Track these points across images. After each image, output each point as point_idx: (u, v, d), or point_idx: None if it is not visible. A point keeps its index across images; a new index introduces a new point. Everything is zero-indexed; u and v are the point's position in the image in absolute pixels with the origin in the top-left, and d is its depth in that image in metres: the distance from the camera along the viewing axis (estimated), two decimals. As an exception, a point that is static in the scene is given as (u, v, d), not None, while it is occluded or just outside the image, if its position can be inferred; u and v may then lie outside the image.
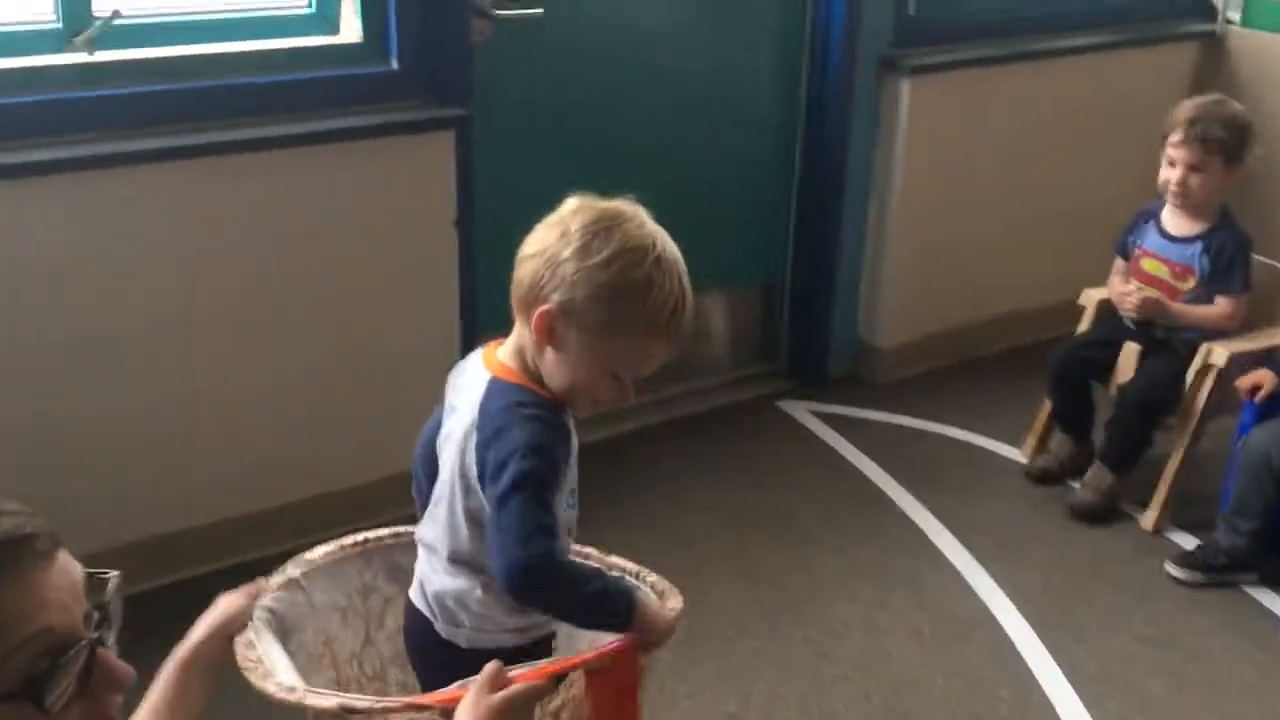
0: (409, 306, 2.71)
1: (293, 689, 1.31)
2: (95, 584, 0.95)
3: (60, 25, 2.36)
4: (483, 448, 1.35)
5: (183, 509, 2.55)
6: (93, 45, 2.39)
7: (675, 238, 1.37)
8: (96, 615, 0.93)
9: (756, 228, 3.44)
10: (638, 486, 2.99)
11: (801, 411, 3.40)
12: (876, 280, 3.51)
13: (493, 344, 1.46)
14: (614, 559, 1.60)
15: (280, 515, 2.60)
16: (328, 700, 1.29)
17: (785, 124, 3.37)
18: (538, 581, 1.31)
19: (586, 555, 1.58)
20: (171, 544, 2.53)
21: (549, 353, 1.36)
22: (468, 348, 1.54)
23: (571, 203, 1.37)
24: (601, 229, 1.32)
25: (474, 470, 1.36)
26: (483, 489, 1.35)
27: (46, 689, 0.87)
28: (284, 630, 1.47)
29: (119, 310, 2.39)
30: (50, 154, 2.26)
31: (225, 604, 1.44)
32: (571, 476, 1.41)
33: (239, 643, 1.39)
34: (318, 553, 1.56)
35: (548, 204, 1.40)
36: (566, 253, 1.31)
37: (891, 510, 2.97)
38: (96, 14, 2.37)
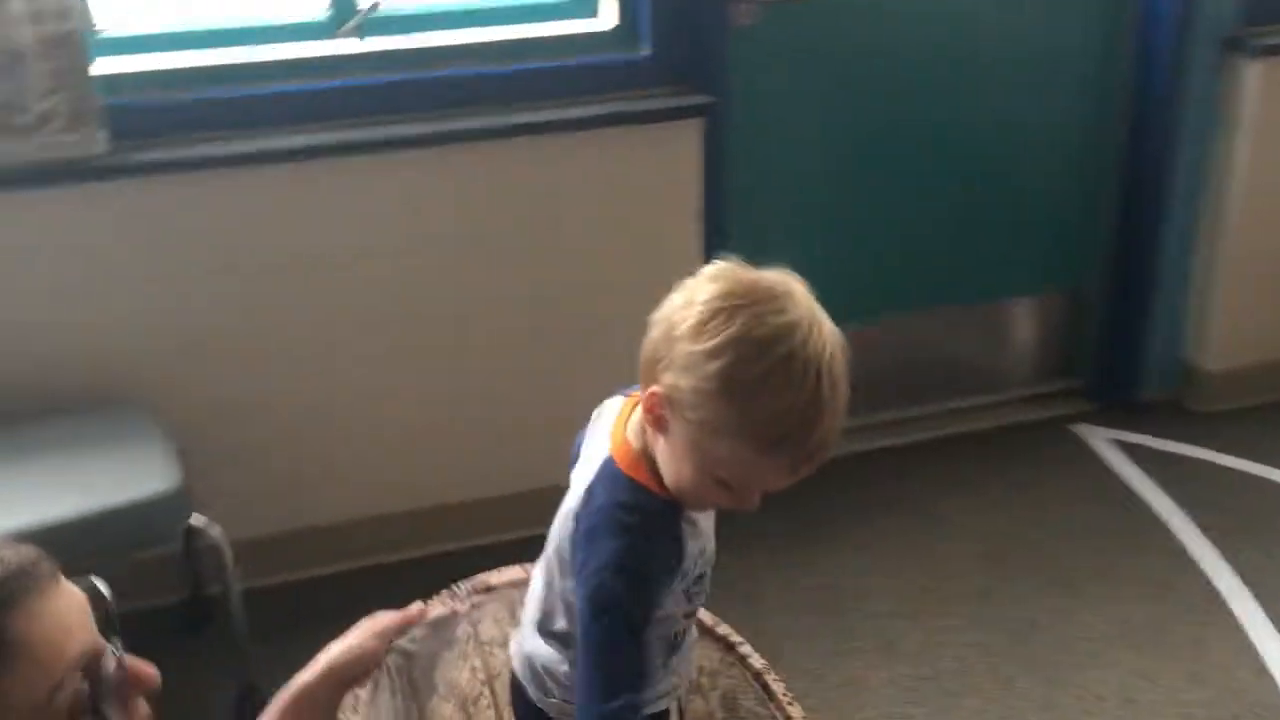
0: (642, 301, 2.61)
1: None
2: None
3: (330, 14, 2.45)
4: (577, 543, 1.21)
5: (379, 497, 2.59)
6: (361, 32, 2.47)
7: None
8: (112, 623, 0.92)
9: (1064, 227, 3.06)
10: (888, 504, 2.76)
11: (1099, 439, 3.00)
12: (1207, 292, 3.03)
13: (634, 396, 1.24)
14: (747, 651, 1.41)
15: (488, 507, 2.61)
16: None
17: (1101, 110, 2.96)
18: None
19: (712, 626, 1.42)
20: (367, 530, 2.60)
21: (660, 440, 1.16)
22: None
23: (713, 267, 1.14)
24: (726, 307, 1.08)
25: (569, 556, 1.23)
26: (575, 583, 1.22)
27: (105, 707, 0.88)
28: (418, 679, 1.36)
29: (371, 294, 2.45)
30: (314, 139, 2.34)
31: (357, 639, 1.32)
32: (697, 564, 1.24)
33: (344, 707, 1.27)
34: (504, 576, 1.46)
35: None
36: (683, 328, 1.09)
37: (1186, 565, 2.56)
38: (361, 4, 2.44)
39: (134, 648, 0.93)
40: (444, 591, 1.44)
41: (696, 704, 1.44)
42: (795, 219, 2.74)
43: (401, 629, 1.36)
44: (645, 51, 2.52)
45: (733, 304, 1.08)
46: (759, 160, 2.67)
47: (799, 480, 1.13)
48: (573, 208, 2.53)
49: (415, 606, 1.39)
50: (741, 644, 1.42)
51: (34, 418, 2.18)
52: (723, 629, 1.43)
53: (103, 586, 1.01)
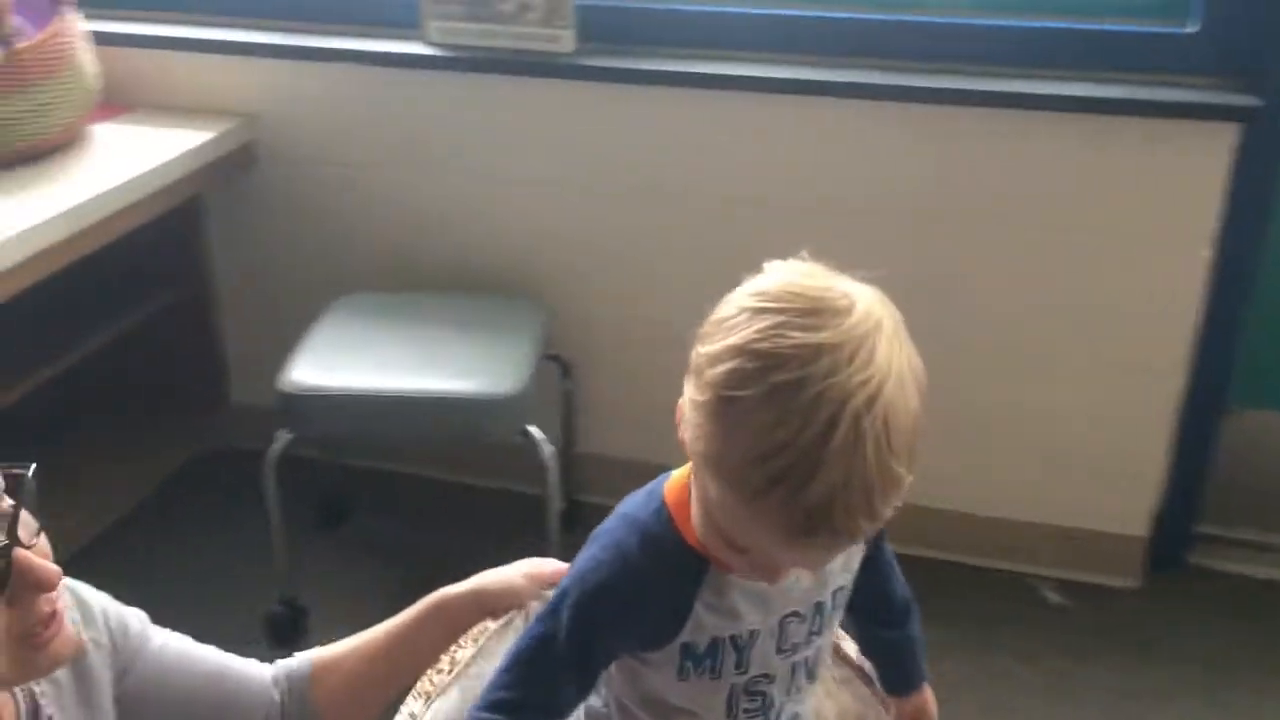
0: (1108, 327, 2.15)
1: None
2: (10, 482, 0.90)
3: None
4: None
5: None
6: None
7: None
8: (10, 516, 0.89)
9: None
10: None
11: None
12: None
13: None
14: None
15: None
16: None
17: None
18: None
19: None
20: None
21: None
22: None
23: (784, 263, 0.88)
24: (753, 308, 0.84)
25: None
26: None
27: None
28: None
29: (809, 246, 2.23)
30: (784, 71, 2.15)
31: (512, 572, 1.24)
32: (729, 655, 0.97)
33: (471, 633, 1.18)
34: None
35: None
36: (707, 325, 0.87)
37: None
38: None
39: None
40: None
41: None
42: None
43: (554, 580, 1.22)
44: (1192, 28, 2.01)
45: (762, 305, 0.83)
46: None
47: (821, 556, 0.89)
48: (1056, 201, 2.11)
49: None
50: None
51: (445, 294, 2.29)
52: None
53: (27, 481, 0.94)
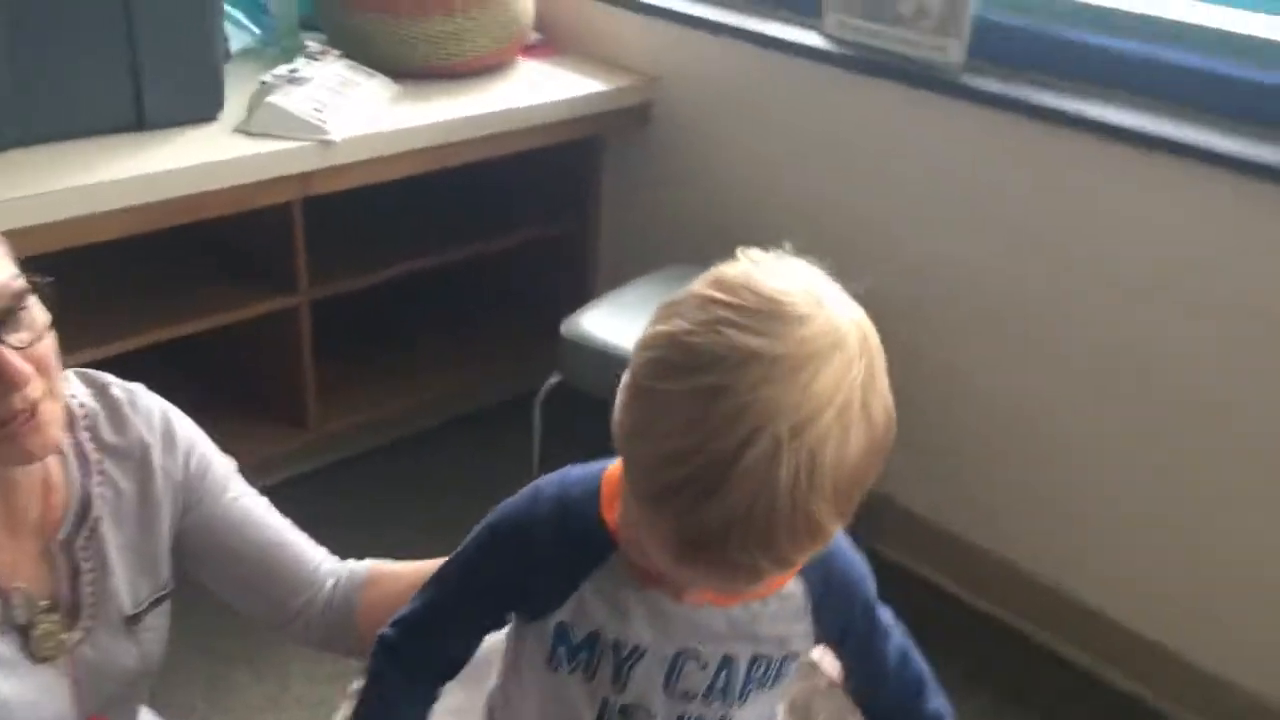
0: None
1: None
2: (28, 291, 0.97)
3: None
4: None
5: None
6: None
7: None
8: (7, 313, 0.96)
9: None
10: None
11: None
12: None
13: None
14: None
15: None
16: None
17: None
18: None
19: None
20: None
21: None
22: None
23: (765, 255, 0.78)
24: (704, 296, 0.75)
25: None
26: None
27: None
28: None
29: (1155, 345, 1.91)
30: (1180, 131, 1.81)
31: None
32: (607, 657, 0.89)
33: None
34: None
35: None
36: (660, 306, 0.79)
37: None
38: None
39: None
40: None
41: None
42: None
43: None
44: None
45: (712, 295, 0.75)
46: None
47: (714, 584, 0.80)
48: None
49: None
50: None
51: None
52: None
53: (19, 286, 0.99)
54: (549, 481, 0.92)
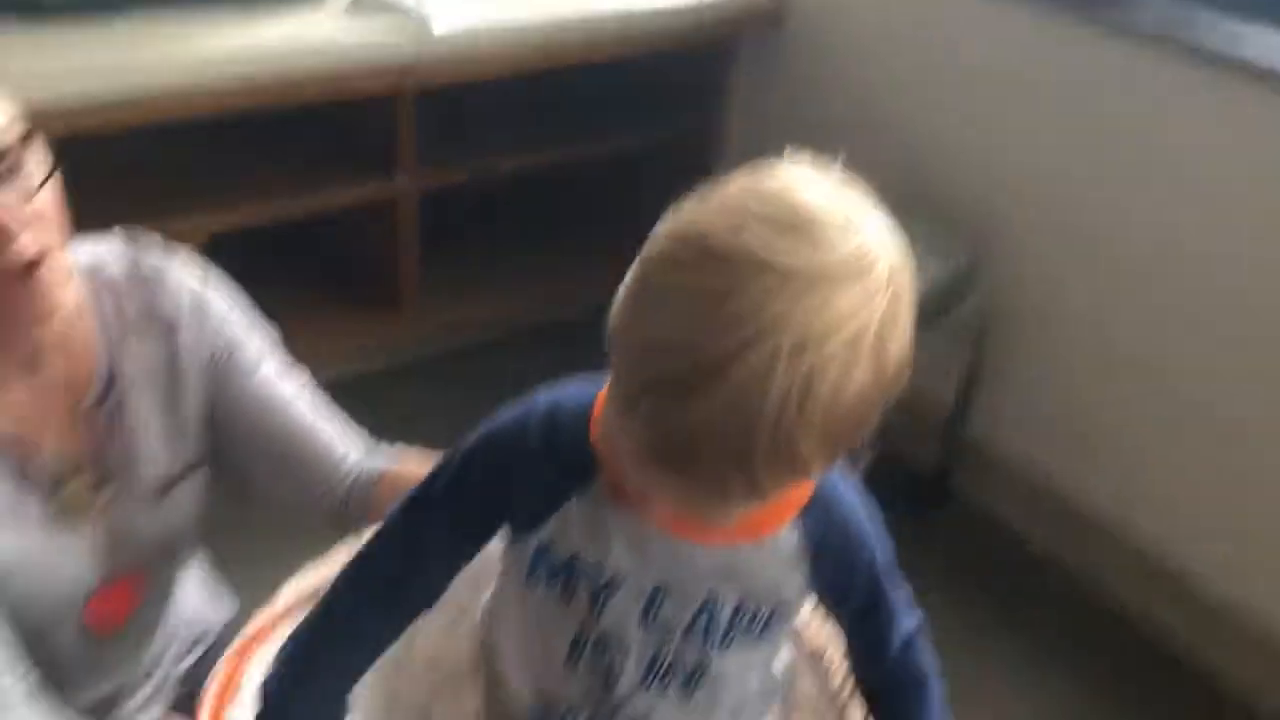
0: None
1: None
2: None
3: None
4: None
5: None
6: None
7: None
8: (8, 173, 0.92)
9: None
10: None
11: None
12: None
13: None
14: None
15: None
16: None
17: None
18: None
19: None
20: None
21: None
22: None
23: (808, 169, 0.72)
24: (734, 197, 0.69)
25: None
26: None
27: None
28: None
29: None
30: None
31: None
32: (588, 579, 0.84)
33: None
34: None
35: None
36: (693, 196, 0.73)
37: None
38: None
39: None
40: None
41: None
42: None
43: None
44: None
45: (746, 199, 0.69)
46: None
47: (679, 495, 0.73)
48: None
49: None
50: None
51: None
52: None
53: (16, 136, 0.93)
54: (537, 399, 0.86)
